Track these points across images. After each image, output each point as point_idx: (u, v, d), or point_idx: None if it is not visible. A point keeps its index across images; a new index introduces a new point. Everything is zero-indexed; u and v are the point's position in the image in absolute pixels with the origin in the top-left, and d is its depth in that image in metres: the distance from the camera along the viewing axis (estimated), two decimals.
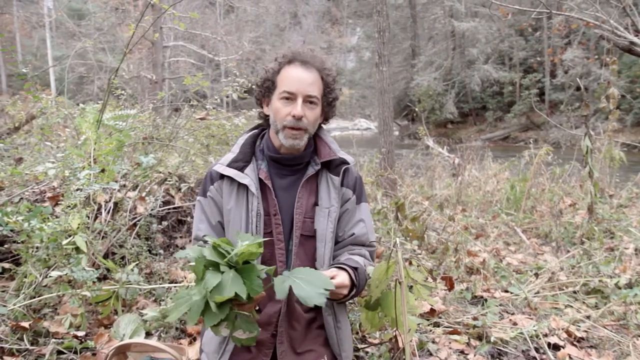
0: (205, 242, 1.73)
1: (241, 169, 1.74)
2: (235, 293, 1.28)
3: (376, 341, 2.40)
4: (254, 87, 1.85)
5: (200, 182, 1.86)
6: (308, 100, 1.69)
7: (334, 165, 1.79)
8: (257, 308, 1.49)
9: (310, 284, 1.35)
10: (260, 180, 1.75)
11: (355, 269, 1.67)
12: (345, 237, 1.81)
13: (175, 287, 2.76)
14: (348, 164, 1.80)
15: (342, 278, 1.60)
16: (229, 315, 1.33)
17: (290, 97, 1.68)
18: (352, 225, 1.81)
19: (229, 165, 1.75)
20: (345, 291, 1.60)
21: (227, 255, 1.34)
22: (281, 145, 1.74)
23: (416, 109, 23.21)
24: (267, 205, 1.73)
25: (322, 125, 1.86)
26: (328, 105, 1.79)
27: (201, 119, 5.16)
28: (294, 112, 1.66)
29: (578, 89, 22.55)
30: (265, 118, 1.82)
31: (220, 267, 1.31)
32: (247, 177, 1.72)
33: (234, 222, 1.71)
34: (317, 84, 1.71)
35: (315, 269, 1.72)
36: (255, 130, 1.90)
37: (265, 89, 1.75)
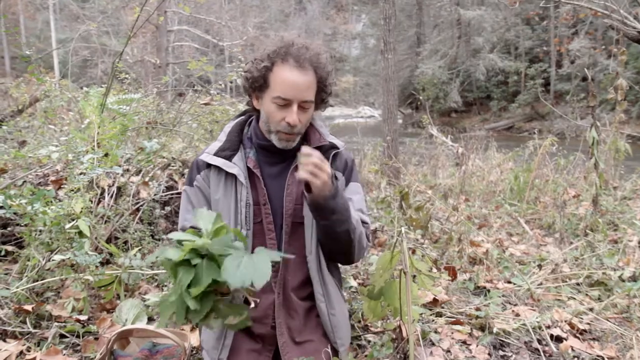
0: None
1: (229, 158, 1.69)
2: (214, 280, 1.23)
3: (378, 330, 2.40)
4: (242, 76, 1.74)
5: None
6: (303, 105, 1.62)
7: (323, 150, 1.73)
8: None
9: (249, 266, 1.24)
10: (248, 169, 1.71)
11: (335, 178, 1.63)
12: None
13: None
14: (338, 148, 1.76)
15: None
16: (213, 306, 1.29)
17: (285, 103, 1.60)
18: None
19: (216, 154, 1.70)
20: (326, 168, 1.52)
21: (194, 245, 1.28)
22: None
23: (420, 98, 23.08)
24: (256, 195, 1.70)
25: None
26: (321, 102, 1.73)
27: (205, 104, 5.14)
28: (289, 120, 1.60)
29: (584, 79, 22.41)
30: (255, 109, 1.76)
31: (192, 261, 1.26)
32: (236, 167, 1.68)
33: (222, 212, 1.68)
34: (313, 86, 1.63)
35: (305, 255, 1.72)
36: (242, 117, 1.84)
37: (257, 87, 1.66)
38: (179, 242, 1.29)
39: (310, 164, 1.48)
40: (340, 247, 1.70)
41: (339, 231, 1.64)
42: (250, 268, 1.23)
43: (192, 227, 1.72)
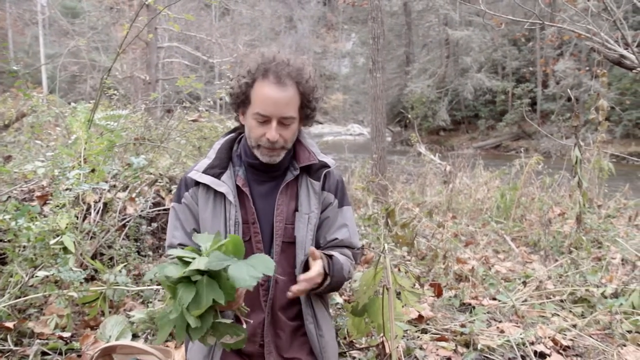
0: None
1: (218, 176, 1.68)
2: (213, 300, 1.25)
3: (363, 346, 2.40)
4: (227, 93, 1.75)
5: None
6: (283, 121, 1.61)
7: (314, 170, 1.74)
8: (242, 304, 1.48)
9: (250, 267, 1.28)
10: (237, 187, 1.70)
11: (330, 256, 1.64)
12: (327, 241, 1.77)
13: (163, 289, 2.75)
14: (329, 167, 1.76)
15: (317, 266, 1.57)
16: (213, 323, 1.31)
17: (264, 120, 1.60)
18: (334, 230, 1.77)
19: (205, 171, 1.69)
20: (319, 279, 1.58)
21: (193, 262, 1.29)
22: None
23: (409, 116, 23.31)
24: (245, 213, 1.69)
25: (302, 128, 1.79)
26: (306, 117, 1.72)
27: (194, 120, 5.15)
28: (268, 136, 1.60)
29: (569, 99, 22.77)
30: (242, 125, 1.75)
31: (192, 278, 1.27)
32: (225, 185, 1.67)
33: (211, 230, 1.66)
34: (293, 102, 1.62)
35: (295, 275, 1.69)
36: (232, 135, 1.84)
37: (240, 103, 1.67)
38: (179, 258, 1.30)
39: (303, 290, 1.57)
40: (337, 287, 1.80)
41: (334, 290, 1.77)
42: (252, 268, 1.27)
43: (180, 244, 1.72)
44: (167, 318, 1.29)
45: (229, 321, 1.34)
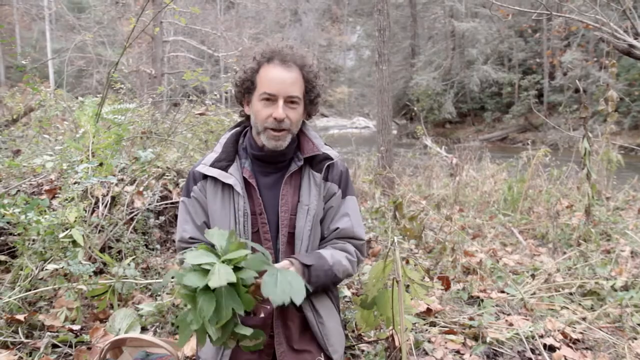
0: (191, 243, 1.72)
1: (225, 169, 1.72)
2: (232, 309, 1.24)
3: (371, 339, 2.40)
4: (232, 83, 1.80)
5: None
6: (289, 100, 1.66)
7: (317, 161, 1.77)
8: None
9: (287, 284, 1.28)
10: (244, 179, 1.73)
11: (308, 266, 1.62)
12: (330, 231, 1.80)
13: (171, 282, 2.76)
14: (332, 159, 1.78)
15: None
16: (233, 330, 1.30)
17: (270, 99, 1.64)
18: (337, 219, 1.80)
19: (212, 165, 1.73)
20: None
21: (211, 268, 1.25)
22: (264, 144, 1.72)
23: (415, 109, 23.21)
24: (252, 205, 1.72)
25: (305, 121, 1.84)
26: (310, 103, 1.77)
27: (200, 114, 5.15)
28: (275, 115, 1.63)
29: (576, 91, 22.60)
30: (247, 117, 1.80)
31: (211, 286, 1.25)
32: (232, 177, 1.70)
33: (220, 222, 1.70)
34: (298, 83, 1.68)
35: None
36: (238, 128, 1.88)
37: (245, 89, 1.72)
38: (195, 268, 1.26)
39: None
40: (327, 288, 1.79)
41: (324, 287, 1.73)
42: (287, 286, 1.27)
43: (190, 237, 1.74)
44: (186, 322, 1.27)
45: (248, 331, 1.32)
